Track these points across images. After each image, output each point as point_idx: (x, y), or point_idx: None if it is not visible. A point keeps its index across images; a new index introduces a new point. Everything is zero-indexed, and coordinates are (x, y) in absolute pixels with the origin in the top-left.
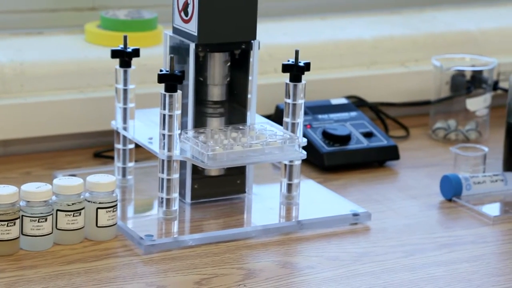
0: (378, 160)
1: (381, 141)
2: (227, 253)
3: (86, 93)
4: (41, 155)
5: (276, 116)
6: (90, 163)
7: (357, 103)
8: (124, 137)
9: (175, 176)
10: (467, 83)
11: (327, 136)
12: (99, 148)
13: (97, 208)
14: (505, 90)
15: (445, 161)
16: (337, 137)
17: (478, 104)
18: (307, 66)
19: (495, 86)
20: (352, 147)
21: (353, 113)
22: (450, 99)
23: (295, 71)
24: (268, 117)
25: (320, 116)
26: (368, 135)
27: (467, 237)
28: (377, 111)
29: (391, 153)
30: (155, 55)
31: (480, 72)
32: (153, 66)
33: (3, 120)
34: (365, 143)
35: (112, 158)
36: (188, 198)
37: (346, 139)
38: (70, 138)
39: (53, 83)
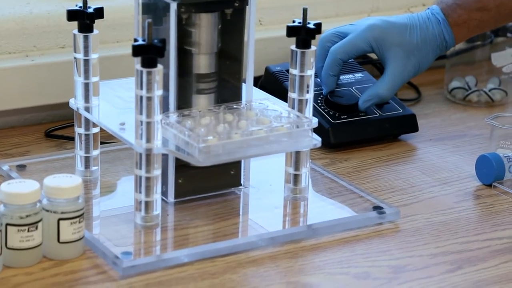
0: (394, 133)
1: (396, 109)
2: (227, 273)
3: (32, 58)
4: None
5: (266, 80)
6: (42, 146)
7: (359, 60)
8: (87, 119)
9: (156, 173)
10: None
11: (331, 106)
12: (51, 124)
13: (59, 219)
14: None
15: (470, 129)
16: (343, 107)
17: (505, 58)
18: (318, 28)
19: None
20: (362, 118)
21: (359, 75)
22: (468, 51)
23: (304, 34)
24: (257, 80)
25: (319, 80)
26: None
27: None
28: (383, 69)
29: (409, 124)
30: (119, 8)
31: None
32: (115, 22)
33: None
34: (377, 113)
35: (68, 138)
36: (171, 197)
37: (354, 108)
38: (15, 114)
39: None
